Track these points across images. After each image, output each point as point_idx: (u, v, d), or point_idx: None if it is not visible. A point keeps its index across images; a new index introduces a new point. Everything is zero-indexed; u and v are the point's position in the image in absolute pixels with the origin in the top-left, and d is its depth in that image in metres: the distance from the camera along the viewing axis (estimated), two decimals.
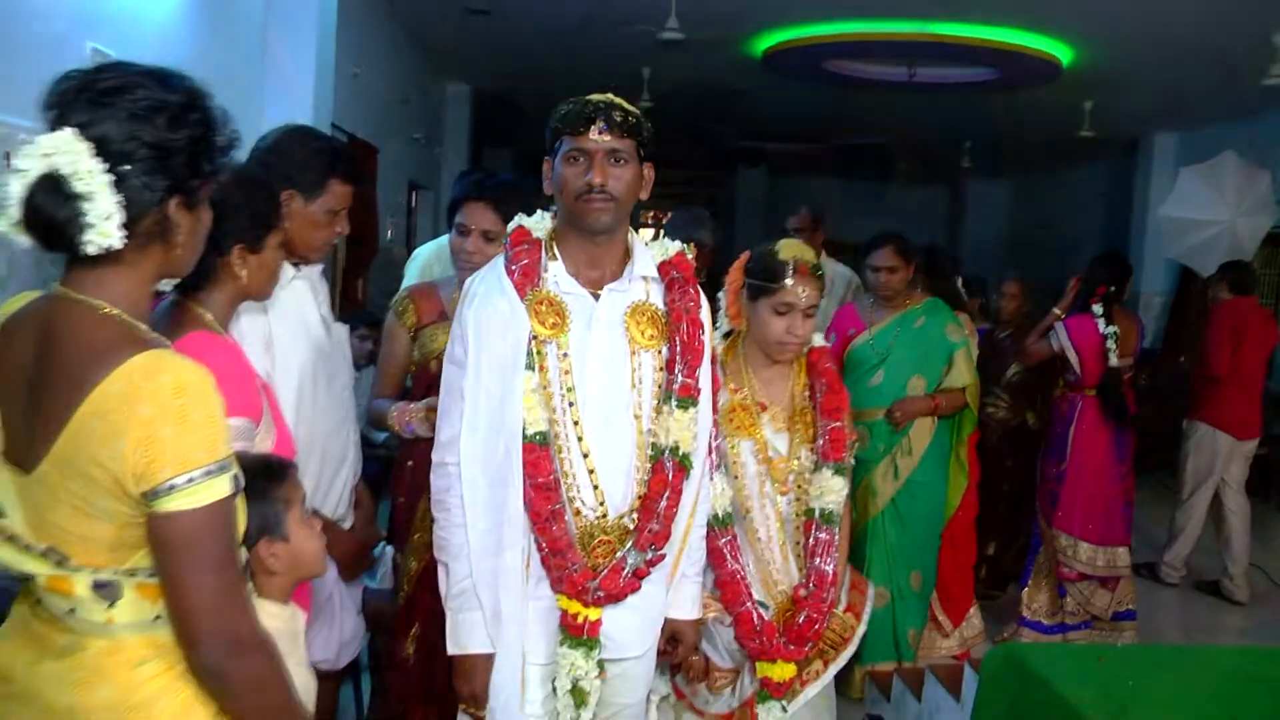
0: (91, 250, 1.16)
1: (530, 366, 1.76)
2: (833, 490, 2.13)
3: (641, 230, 4.55)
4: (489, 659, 1.79)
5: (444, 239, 3.60)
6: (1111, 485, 4.10)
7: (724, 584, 2.11)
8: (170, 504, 1.16)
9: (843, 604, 2.25)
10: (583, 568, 1.79)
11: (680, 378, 1.83)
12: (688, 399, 1.83)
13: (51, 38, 2.77)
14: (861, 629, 2.30)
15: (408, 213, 7.55)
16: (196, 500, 1.17)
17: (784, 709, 2.13)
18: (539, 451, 1.76)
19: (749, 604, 2.11)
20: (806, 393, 2.23)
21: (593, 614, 1.80)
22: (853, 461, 2.23)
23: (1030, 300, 4.71)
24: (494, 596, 1.78)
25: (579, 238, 1.83)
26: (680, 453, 1.82)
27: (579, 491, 1.81)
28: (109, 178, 1.15)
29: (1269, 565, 5.20)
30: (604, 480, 1.82)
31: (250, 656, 1.23)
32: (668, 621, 1.98)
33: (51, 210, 1.14)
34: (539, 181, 1.88)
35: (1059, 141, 9.02)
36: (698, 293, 1.91)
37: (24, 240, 1.17)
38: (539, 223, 1.89)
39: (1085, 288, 4.08)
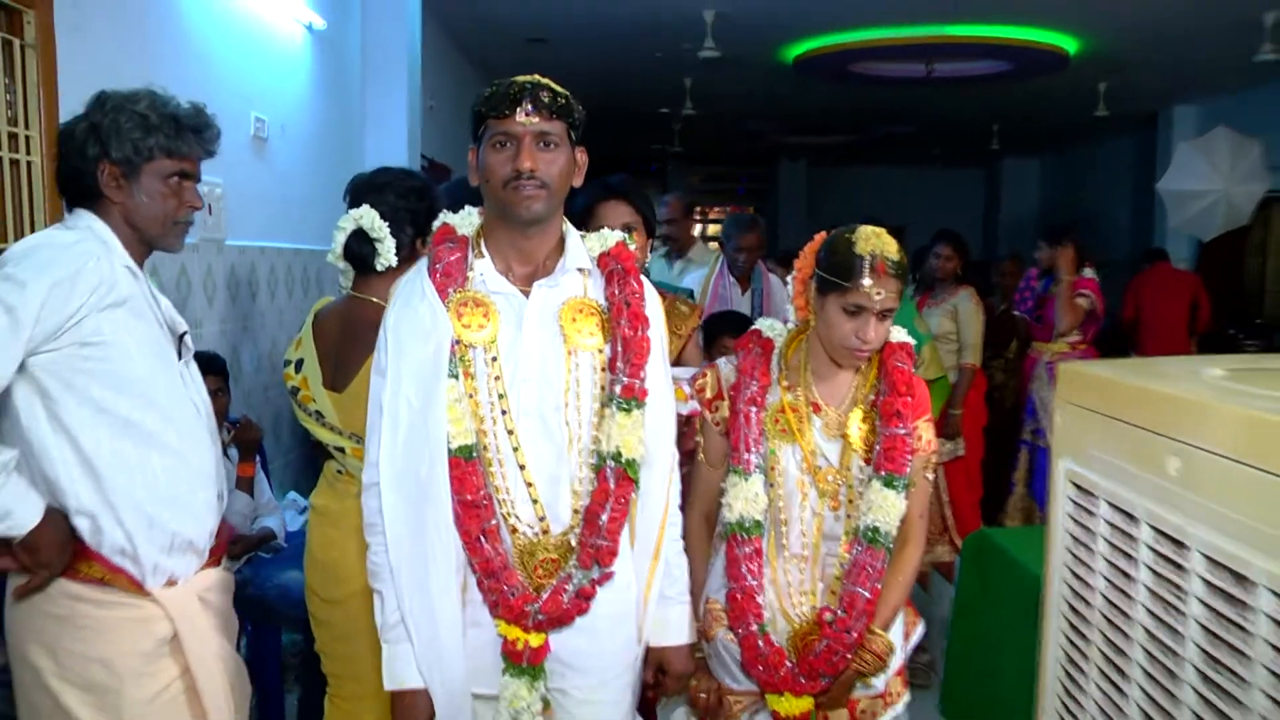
0: (380, 268, 2.06)
1: (454, 374, 1.60)
2: (882, 506, 1.82)
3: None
4: (425, 695, 1.63)
5: None
6: None
7: (732, 598, 1.88)
8: None
9: (907, 643, 1.98)
10: (522, 590, 1.62)
11: (623, 378, 1.64)
12: (631, 400, 1.64)
13: (227, 111, 3.58)
14: (896, 661, 1.95)
15: None
16: None
17: None
18: (466, 466, 1.59)
19: (755, 626, 1.85)
20: (873, 396, 1.92)
21: (534, 640, 1.63)
22: (930, 476, 1.96)
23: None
24: (430, 626, 1.60)
25: (508, 230, 1.65)
26: (624, 459, 1.62)
27: (514, 507, 1.63)
28: (388, 230, 2.04)
29: None
30: (543, 494, 1.64)
31: None
32: (651, 650, 1.79)
33: (360, 248, 2.06)
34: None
35: (1080, 121, 9.49)
36: (641, 285, 1.73)
37: (342, 265, 2.10)
38: (465, 219, 1.72)
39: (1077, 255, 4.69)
